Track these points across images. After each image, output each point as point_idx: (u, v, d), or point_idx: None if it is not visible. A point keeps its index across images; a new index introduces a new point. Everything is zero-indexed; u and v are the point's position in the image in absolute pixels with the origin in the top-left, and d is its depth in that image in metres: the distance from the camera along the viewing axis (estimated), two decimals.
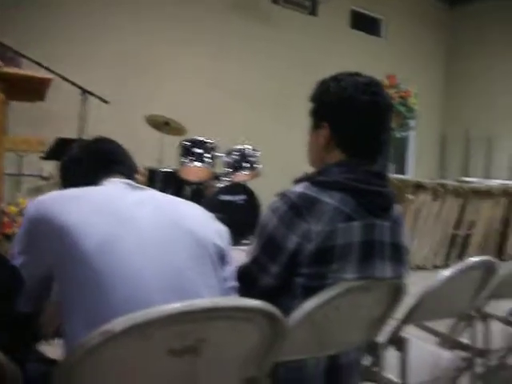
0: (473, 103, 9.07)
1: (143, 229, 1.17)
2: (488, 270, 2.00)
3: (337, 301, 1.35)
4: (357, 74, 1.53)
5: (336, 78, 1.53)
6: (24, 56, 3.50)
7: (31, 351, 1.29)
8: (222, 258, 1.27)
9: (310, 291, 1.35)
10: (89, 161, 1.42)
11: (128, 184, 1.32)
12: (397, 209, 1.57)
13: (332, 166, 1.48)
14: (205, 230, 1.26)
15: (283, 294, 1.43)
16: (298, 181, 1.47)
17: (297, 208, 1.39)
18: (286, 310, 1.27)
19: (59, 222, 1.13)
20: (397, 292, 1.51)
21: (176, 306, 0.98)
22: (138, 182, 1.39)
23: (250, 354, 1.16)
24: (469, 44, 9.27)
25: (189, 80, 6.27)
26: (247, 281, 1.44)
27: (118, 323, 0.94)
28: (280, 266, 1.42)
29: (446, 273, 1.79)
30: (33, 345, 1.30)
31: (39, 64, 3.45)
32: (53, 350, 1.25)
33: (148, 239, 1.16)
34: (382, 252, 1.47)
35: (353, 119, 1.48)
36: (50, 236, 1.14)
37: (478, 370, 2.25)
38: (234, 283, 1.36)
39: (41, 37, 5.20)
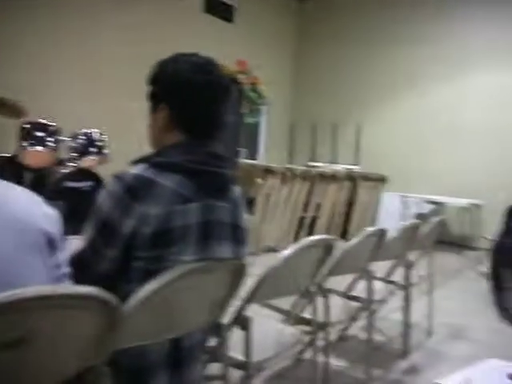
0: (320, 92, 9.53)
1: None
2: (326, 248, 2.11)
3: (176, 283, 1.33)
4: (194, 55, 1.52)
5: (172, 59, 1.51)
6: None
7: None
8: (51, 245, 1.19)
9: (149, 275, 1.31)
10: None
11: None
12: (236, 190, 1.58)
13: (170, 148, 1.45)
14: (31, 215, 1.17)
15: (121, 278, 1.39)
16: (135, 162, 1.43)
17: (133, 191, 1.35)
18: (126, 296, 1.23)
19: None
20: (238, 273, 1.52)
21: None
22: None
23: (86, 342, 1.11)
24: (318, 35, 9.69)
25: (30, 58, 5.88)
26: (83, 266, 1.37)
27: None
28: (116, 250, 1.37)
29: (286, 252, 1.85)
30: None
31: None
32: None
33: None
34: (221, 233, 1.48)
35: (189, 99, 1.47)
36: None
37: (320, 342, 2.37)
38: (68, 269, 1.28)
39: None
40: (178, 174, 1.39)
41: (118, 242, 1.36)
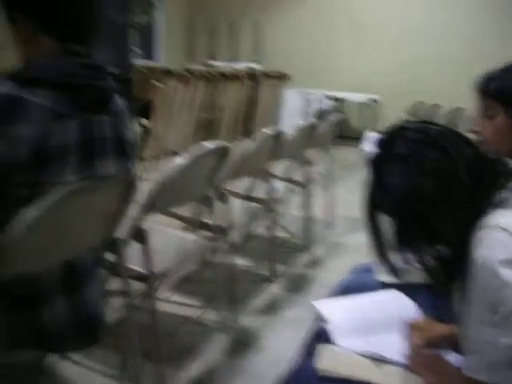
0: None
1: None
2: (222, 153, 2.08)
3: (61, 206, 1.25)
4: None
5: None
6: None
7: None
8: None
9: (30, 201, 1.23)
10: None
11: None
12: (118, 102, 1.49)
13: (39, 61, 1.32)
14: None
15: (1, 207, 1.29)
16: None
17: (1, 112, 1.22)
18: (5, 224, 1.16)
19: None
20: (127, 187, 1.47)
21: None
22: None
23: None
24: None
25: None
26: None
27: None
28: None
29: (180, 161, 1.80)
30: None
31: None
32: None
33: None
34: (104, 148, 1.40)
35: None
36: None
37: (223, 246, 2.41)
38: None
39: None
40: (50, 90, 1.27)
41: None
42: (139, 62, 6.14)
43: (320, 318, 1.38)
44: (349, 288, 1.53)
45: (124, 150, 1.48)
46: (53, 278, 1.38)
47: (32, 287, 1.36)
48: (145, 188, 1.71)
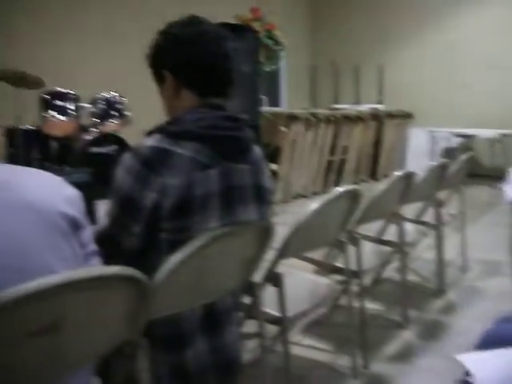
0: (339, 34, 9.22)
1: None
2: (354, 197, 2.08)
3: (204, 251, 1.33)
4: (181, 18, 1.51)
5: (161, 31, 1.51)
6: None
7: None
8: (74, 226, 1.19)
9: (175, 246, 1.32)
10: None
11: None
12: (256, 150, 1.56)
13: (183, 115, 1.43)
14: (50, 199, 1.17)
15: (150, 252, 1.40)
16: (149, 133, 1.41)
17: (150, 163, 1.34)
18: (154, 268, 1.25)
19: None
20: (265, 233, 1.52)
21: (28, 286, 0.90)
22: None
23: (118, 320, 1.13)
24: None
25: (44, 30, 5.82)
26: (110, 244, 1.38)
27: None
28: (141, 225, 1.37)
29: (314, 206, 1.83)
30: None
31: None
32: None
33: None
34: (244, 196, 1.47)
35: (186, 55, 1.44)
36: None
37: (354, 289, 2.38)
38: (94, 247, 1.29)
39: None
40: (194, 142, 1.37)
41: (141, 216, 1.36)
42: (265, 108, 6.35)
43: (466, 374, 1.31)
44: (496, 340, 1.44)
45: (262, 197, 1.54)
46: (195, 319, 1.45)
47: (175, 328, 1.43)
48: (277, 231, 1.76)
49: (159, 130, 1.40)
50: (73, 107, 4.62)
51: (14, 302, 0.90)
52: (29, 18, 5.59)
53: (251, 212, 1.49)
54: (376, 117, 7.38)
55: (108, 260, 1.31)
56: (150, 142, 1.37)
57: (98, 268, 1.20)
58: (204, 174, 1.37)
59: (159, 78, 1.51)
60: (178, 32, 1.45)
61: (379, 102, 8.44)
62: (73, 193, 1.24)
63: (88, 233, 1.26)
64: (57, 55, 5.66)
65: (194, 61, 1.44)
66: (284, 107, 8.62)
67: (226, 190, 1.42)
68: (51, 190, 1.20)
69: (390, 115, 7.63)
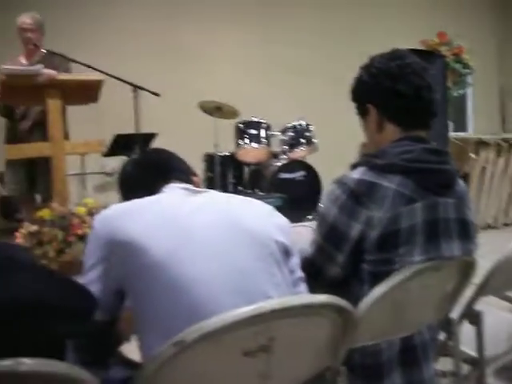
0: None
1: (204, 235, 1.19)
2: None
3: (406, 284, 1.34)
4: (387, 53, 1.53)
5: (364, 65, 1.54)
6: (74, 60, 3.59)
7: (114, 355, 1.35)
8: (285, 253, 1.28)
9: (378, 277, 1.34)
10: (145, 175, 1.43)
11: (186, 189, 1.32)
12: (461, 184, 1.53)
13: (388, 148, 1.45)
14: (265, 227, 1.26)
15: (352, 282, 1.44)
16: (354, 166, 1.45)
17: (357, 195, 1.38)
18: (356, 298, 1.28)
19: (125, 236, 1.16)
20: (467, 269, 1.48)
21: (246, 310, 0.99)
22: (195, 185, 1.40)
23: (323, 345, 1.18)
24: None
25: (237, 62, 6.25)
26: (314, 272, 1.45)
27: (190, 333, 0.96)
28: (345, 255, 1.42)
29: None
30: (115, 349, 1.35)
31: (89, 66, 3.52)
32: (133, 348, 1.29)
33: (210, 245, 1.17)
34: (448, 230, 1.44)
35: (390, 88, 1.46)
36: (117, 251, 1.18)
37: None
38: (301, 274, 1.36)
39: (87, 39, 5.33)
40: (398, 175, 1.38)
41: (346, 246, 1.40)
42: (452, 133, 6.11)
43: None
44: None
45: (467, 232, 1.50)
46: (393, 351, 1.45)
47: (373, 358, 1.44)
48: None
49: (364, 162, 1.44)
50: (264, 135, 4.91)
51: (234, 323, 0.99)
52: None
53: (455, 246, 1.46)
54: None
55: (311, 287, 1.37)
56: (356, 174, 1.41)
57: (308, 296, 1.27)
58: (409, 207, 1.37)
59: (363, 112, 1.55)
60: (383, 66, 1.48)
61: None
62: (284, 221, 1.33)
63: (296, 260, 1.34)
64: (249, 89, 6.04)
65: (399, 94, 1.45)
66: (471, 132, 8.20)
67: (431, 224, 1.40)
68: (266, 218, 1.30)
69: None
